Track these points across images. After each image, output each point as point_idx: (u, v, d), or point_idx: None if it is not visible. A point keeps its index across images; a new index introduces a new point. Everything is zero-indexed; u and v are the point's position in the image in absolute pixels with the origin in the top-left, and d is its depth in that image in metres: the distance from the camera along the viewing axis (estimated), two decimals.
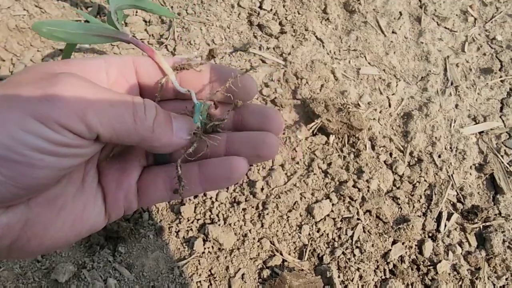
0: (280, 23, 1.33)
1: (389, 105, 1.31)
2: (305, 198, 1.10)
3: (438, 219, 1.16)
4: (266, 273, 1.01)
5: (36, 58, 1.18)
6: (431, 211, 1.17)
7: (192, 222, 1.05)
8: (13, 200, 0.38)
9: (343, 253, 1.04)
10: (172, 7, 1.31)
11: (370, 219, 1.11)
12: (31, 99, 0.35)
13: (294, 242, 1.06)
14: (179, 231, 1.04)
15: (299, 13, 1.35)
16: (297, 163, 1.16)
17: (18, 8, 1.21)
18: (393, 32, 1.42)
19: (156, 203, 0.52)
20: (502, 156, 1.28)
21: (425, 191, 1.20)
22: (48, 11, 1.23)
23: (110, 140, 0.40)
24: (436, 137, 1.27)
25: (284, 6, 1.35)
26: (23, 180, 0.36)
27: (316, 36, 1.34)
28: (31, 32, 1.20)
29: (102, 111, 0.38)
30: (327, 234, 1.07)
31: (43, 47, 1.20)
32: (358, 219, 1.09)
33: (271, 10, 1.34)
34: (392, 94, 1.32)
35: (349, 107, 1.18)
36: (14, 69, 1.15)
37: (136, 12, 1.30)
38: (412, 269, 1.08)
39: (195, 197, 1.08)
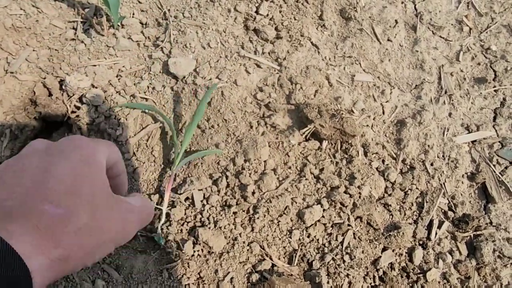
0: (276, 28, 1.33)
1: (383, 112, 1.31)
2: (296, 203, 1.10)
3: (429, 227, 1.17)
4: (255, 277, 1.01)
5: (32, 57, 1.18)
6: (422, 219, 1.17)
7: (182, 225, 1.05)
8: None
9: (332, 259, 1.04)
10: (169, 9, 1.32)
11: (360, 226, 1.11)
12: (116, 236, 0.49)
13: (284, 247, 1.06)
14: (169, 233, 1.04)
15: (295, 19, 1.36)
16: (289, 168, 1.16)
17: (15, 8, 1.21)
18: (388, 40, 1.43)
19: None
20: (494, 165, 1.28)
21: (416, 198, 1.20)
22: (45, 11, 1.23)
23: None
24: (429, 145, 1.27)
25: (280, 12, 1.36)
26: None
27: (311, 42, 1.35)
28: (27, 31, 1.21)
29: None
30: (317, 240, 1.07)
31: (39, 46, 1.20)
32: (348, 225, 1.09)
33: (267, 15, 1.35)
34: (386, 101, 1.33)
35: (342, 113, 1.18)
36: (9, 68, 1.15)
37: (133, 14, 1.30)
38: (401, 277, 1.08)
39: (186, 199, 1.08)
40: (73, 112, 1.16)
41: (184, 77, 1.21)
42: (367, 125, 1.27)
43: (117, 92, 1.19)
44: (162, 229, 1.03)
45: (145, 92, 1.21)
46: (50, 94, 1.18)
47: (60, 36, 1.24)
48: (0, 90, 1.14)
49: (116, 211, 0.50)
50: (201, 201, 1.08)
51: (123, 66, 1.24)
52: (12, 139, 1.12)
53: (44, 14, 1.24)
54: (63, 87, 1.17)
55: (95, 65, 1.21)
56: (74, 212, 0.43)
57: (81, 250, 0.44)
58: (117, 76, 1.22)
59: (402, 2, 1.51)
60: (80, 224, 0.43)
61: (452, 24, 1.51)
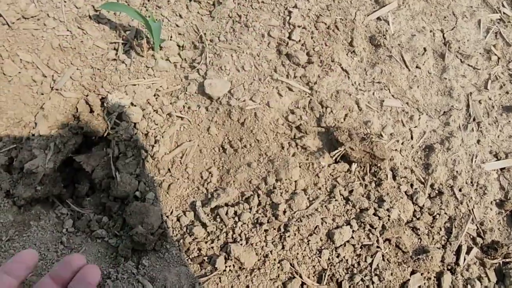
0: (307, 54, 1.38)
1: (411, 137, 1.33)
2: (326, 223, 1.12)
3: (458, 252, 1.17)
4: None
5: (76, 75, 1.25)
6: (450, 244, 1.17)
7: (214, 241, 1.08)
8: None
9: (361, 279, 1.05)
10: (205, 33, 1.38)
11: (389, 248, 1.13)
12: None
13: (313, 266, 1.07)
14: (201, 248, 1.07)
15: (326, 45, 1.40)
16: (319, 188, 1.19)
17: (62, 29, 1.28)
18: (417, 67, 1.46)
19: None
20: None
21: (445, 223, 1.21)
22: (90, 33, 1.30)
23: None
24: (457, 171, 1.29)
25: (312, 38, 1.41)
26: None
27: (341, 67, 1.39)
28: (72, 51, 1.27)
29: None
30: (347, 260, 1.09)
31: (82, 66, 1.27)
32: (377, 247, 1.11)
33: (299, 40, 1.39)
34: (415, 127, 1.35)
35: (372, 137, 1.21)
36: (55, 85, 1.22)
37: (171, 37, 1.36)
38: None
39: (217, 216, 1.11)
40: (112, 128, 1.21)
41: (219, 98, 1.26)
42: (396, 150, 1.29)
43: (154, 110, 1.24)
44: None
45: (180, 111, 1.26)
46: (91, 111, 1.24)
47: (102, 56, 1.30)
48: (46, 106, 1.20)
49: None
50: (233, 218, 1.11)
51: (161, 86, 1.29)
52: (55, 153, 1.17)
53: (88, 35, 1.31)
54: (105, 104, 1.23)
55: (134, 85, 1.26)
56: None
57: None
58: (154, 95, 1.28)
59: (431, 31, 1.54)
60: None
61: (480, 53, 1.54)
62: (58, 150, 1.17)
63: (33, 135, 1.18)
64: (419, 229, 1.17)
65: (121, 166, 1.19)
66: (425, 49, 1.49)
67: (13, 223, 1.08)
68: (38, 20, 1.27)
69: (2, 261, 0.98)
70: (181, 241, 1.08)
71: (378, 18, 1.52)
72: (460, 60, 1.51)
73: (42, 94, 1.23)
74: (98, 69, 1.28)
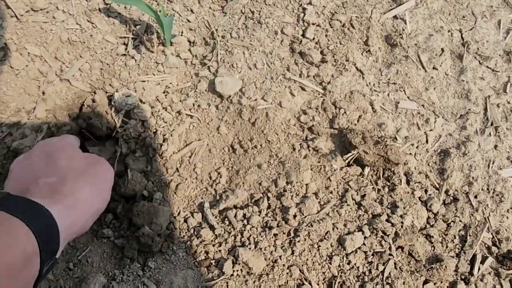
0: (321, 52, 1.34)
1: (426, 141, 1.30)
2: (337, 228, 1.09)
3: (472, 262, 1.14)
4: None
5: (85, 68, 1.22)
6: (465, 253, 1.14)
7: (222, 244, 1.06)
8: None
9: None
10: (216, 29, 1.35)
11: (402, 256, 1.09)
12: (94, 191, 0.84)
13: (323, 273, 1.04)
14: (208, 251, 1.04)
15: (340, 44, 1.36)
16: (331, 192, 1.16)
17: (72, 22, 1.26)
18: (434, 68, 1.42)
19: None
20: None
21: (459, 231, 1.17)
22: (99, 27, 1.28)
23: None
24: (473, 177, 1.25)
25: (326, 36, 1.37)
26: None
27: (356, 67, 1.35)
28: (81, 45, 1.25)
29: None
30: (358, 267, 1.06)
31: (91, 60, 1.24)
32: (390, 254, 1.07)
33: (313, 38, 1.36)
34: (430, 130, 1.31)
35: (386, 141, 1.17)
36: (62, 75, 1.20)
37: (182, 32, 1.33)
38: None
39: (225, 218, 1.08)
40: (121, 126, 1.19)
41: (230, 96, 1.23)
42: (410, 153, 1.25)
43: (163, 108, 1.22)
44: None
45: (190, 109, 1.23)
46: (99, 107, 1.21)
47: (112, 51, 1.28)
48: (47, 91, 1.18)
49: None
50: (242, 221, 1.08)
51: (170, 83, 1.26)
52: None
53: (98, 29, 1.28)
54: (112, 101, 1.20)
55: (144, 81, 1.24)
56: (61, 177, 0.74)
57: (79, 200, 0.73)
58: (164, 93, 1.25)
59: (449, 31, 1.50)
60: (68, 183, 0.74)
61: (499, 55, 1.49)
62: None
63: (29, 118, 1.16)
64: (432, 236, 1.14)
65: (131, 164, 1.17)
66: (442, 50, 1.45)
67: None
68: (47, 13, 1.25)
69: None
70: (188, 243, 1.06)
71: (395, 17, 1.48)
72: (479, 61, 1.47)
73: (48, 83, 1.20)
74: (107, 64, 1.25)
